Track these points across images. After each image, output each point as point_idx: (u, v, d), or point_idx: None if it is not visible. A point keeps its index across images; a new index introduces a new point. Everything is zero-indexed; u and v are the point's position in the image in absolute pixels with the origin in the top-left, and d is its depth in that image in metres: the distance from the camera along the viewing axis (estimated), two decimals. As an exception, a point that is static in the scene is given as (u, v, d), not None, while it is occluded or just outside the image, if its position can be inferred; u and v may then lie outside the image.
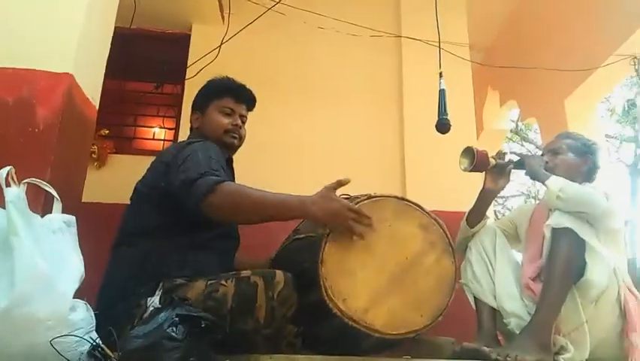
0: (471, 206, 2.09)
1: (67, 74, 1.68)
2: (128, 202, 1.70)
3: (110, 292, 1.54)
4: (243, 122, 1.90)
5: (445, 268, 1.57)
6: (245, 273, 1.47)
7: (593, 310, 1.71)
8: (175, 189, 1.54)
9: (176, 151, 1.66)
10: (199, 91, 1.92)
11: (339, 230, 1.48)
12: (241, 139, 1.89)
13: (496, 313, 1.92)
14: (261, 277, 1.45)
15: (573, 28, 4.00)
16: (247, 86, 1.91)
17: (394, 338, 1.48)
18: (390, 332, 1.46)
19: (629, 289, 1.76)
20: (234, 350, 1.41)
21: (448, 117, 2.43)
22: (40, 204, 1.44)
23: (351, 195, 1.63)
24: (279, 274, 1.47)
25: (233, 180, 1.84)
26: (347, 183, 1.50)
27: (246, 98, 1.91)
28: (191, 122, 1.90)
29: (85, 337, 1.15)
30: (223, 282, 1.45)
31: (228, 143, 1.84)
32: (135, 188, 1.71)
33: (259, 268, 1.95)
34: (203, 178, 1.49)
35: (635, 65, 3.64)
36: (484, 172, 2.02)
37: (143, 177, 1.72)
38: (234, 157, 1.90)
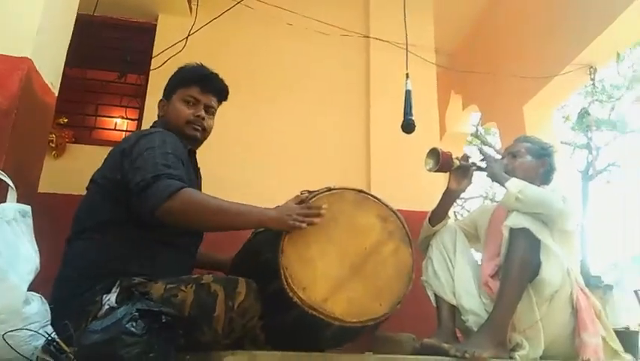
0: (434, 206, 2.13)
1: (26, 58, 1.61)
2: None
3: (64, 287, 1.48)
4: (210, 114, 1.81)
5: (403, 258, 1.60)
6: (206, 279, 1.45)
7: (547, 308, 1.77)
8: (130, 189, 1.48)
9: (135, 140, 1.58)
10: (170, 77, 1.84)
11: (291, 226, 1.47)
12: (205, 131, 1.79)
13: (455, 311, 1.97)
14: (222, 286, 1.43)
15: (533, 38, 4.13)
16: (219, 76, 1.82)
17: (354, 326, 1.49)
18: (349, 320, 1.47)
19: (581, 289, 1.84)
20: (196, 347, 1.39)
21: (413, 118, 2.47)
22: (-7, 192, 1.38)
23: (311, 191, 1.64)
24: (242, 283, 1.45)
25: (196, 174, 1.80)
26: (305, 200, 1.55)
27: (215, 89, 1.80)
28: (158, 108, 1.82)
29: (39, 331, 1.10)
30: (183, 287, 1.42)
31: (190, 135, 1.74)
32: (91, 178, 1.63)
33: (222, 265, 1.94)
34: (161, 182, 1.44)
35: (591, 74, 3.79)
36: (448, 173, 2.07)
37: (101, 166, 1.64)
38: (201, 151, 1.86)
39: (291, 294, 1.44)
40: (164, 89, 1.82)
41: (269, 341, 1.56)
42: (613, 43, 3.52)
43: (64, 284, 1.49)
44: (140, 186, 1.45)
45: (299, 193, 1.63)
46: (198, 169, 1.84)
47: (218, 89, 1.82)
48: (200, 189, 1.78)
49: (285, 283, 1.45)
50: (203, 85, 1.77)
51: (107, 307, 1.33)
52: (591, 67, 3.76)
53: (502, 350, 1.71)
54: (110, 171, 1.59)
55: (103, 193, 1.57)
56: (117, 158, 1.58)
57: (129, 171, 1.51)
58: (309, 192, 1.63)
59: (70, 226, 1.59)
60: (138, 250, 1.52)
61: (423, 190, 2.75)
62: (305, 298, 1.45)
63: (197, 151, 1.83)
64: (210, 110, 1.81)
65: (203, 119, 1.76)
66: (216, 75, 1.82)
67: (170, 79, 1.83)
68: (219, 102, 1.85)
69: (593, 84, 3.91)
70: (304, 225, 1.46)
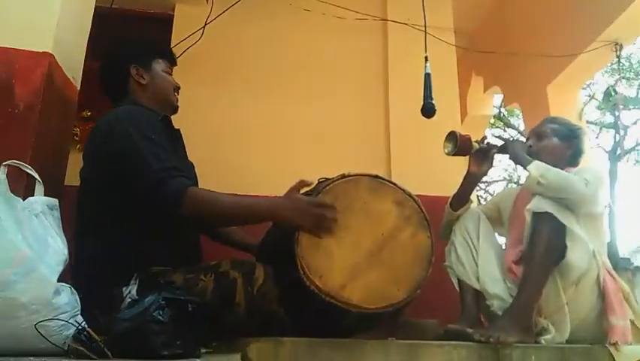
0: (455, 190, 2.11)
1: (47, 53, 1.63)
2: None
3: (83, 281, 1.49)
4: None
5: (421, 242, 1.59)
6: (224, 266, 1.46)
7: (574, 292, 1.75)
8: (132, 184, 1.48)
9: (107, 130, 1.54)
10: (133, 43, 1.86)
11: (308, 228, 1.48)
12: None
13: (479, 296, 1.96)
14: (240, 273, 1.44)
15: (556, 15, 4.02)
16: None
17: (372, 312, 1.49)
18: (368, 307, 1.48)
19: (608, 272, 1.81)
20: (221, 334, 1.41)
21: (434, 101, 2.44)
22: (21, 187, 1.41)
23: (328, 177, 1.64)
24: (259, 268, 1.47)
25: (180, 141, 1.78)
26: (310, 185, 1.55)
27: (175, 62, 1.89)
28: (130, 75, 1.74)
29: (70, 320, 1.13)
30: (202, 276, 1.44)
31: (174, 104, 1.81)
32: (81, 177, 1.61)
33: (251, 248, 1.97)
34: (164, 186, 1.43)
35: (616, 51, 3.68)
36: (468, 156, 2.04)
37: (84, 164, 1.62)
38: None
39: (308, 283, 1.46)
40: (133, 54, 1.78)
41: (295, 328, 1.58)
42: (639, 18, 3.40)
43: (81, 278, 1.49)
44: (142, 195, 1.45)
45: (317, 181, 1.63)
46: (180, 136, 1.80)
47: (176, 62, 1.90)
48: (186, 156, 1.80)
49: (302, 273, 1.46)
50: (171, 58, 1.86)
51: (128, 300, 1.35)
52: (617, 43, 3.65)
53: (528, 334, 1.70)
54: (95, 166, 1.58)
55: (98, 189, 1.56)
56: (95, 151, 1.57)
57: (124, 171, 1.49)
58: (326, 179, 1.63)
59: (75, 222, 1.58)
60: (147, 240, 1.51)
61: (445, 175, 2.72)
62: (322, 287, 1.46)
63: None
64: None
65: (179, 88, 1.84)
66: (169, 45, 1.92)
67: (139, 45, 1.84)
68: None
69: (619, 61, 3.80)
70: (325, 224, 1.48)
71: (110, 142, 1.52)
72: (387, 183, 1.63)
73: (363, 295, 1.48)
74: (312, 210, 1.48)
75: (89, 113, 3.18)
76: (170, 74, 1.83)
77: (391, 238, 1.56)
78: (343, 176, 1.59)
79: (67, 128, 1.91)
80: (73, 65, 1.83)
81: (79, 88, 1.88)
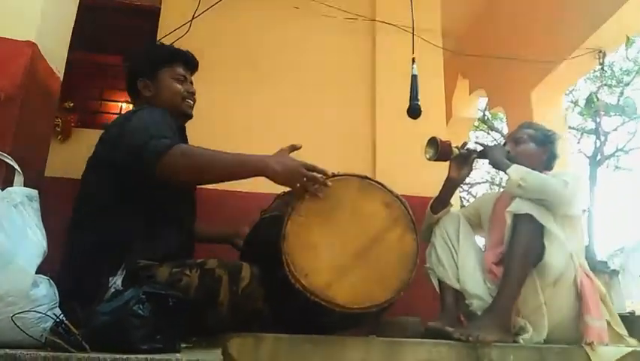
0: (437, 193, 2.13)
1: (30, 42, 1.61)
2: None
3: (69, 271, 1.50)
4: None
5: (408, 244, 1.60)
6: (210, 264, 1.46)
7: (551, 292, 1.78)
8: (126, 158, 1.50)
9: (123, 119, 1.61)
10: (139, 57, 1.86)
11: (295, 187, 1.50)
12: (193, 105, 1.87)
13: (459, 296, 1.98)
14: (226, 271, 1.44)
15: (542, 21, 4.08)
16: (189, 51, 1.89)
17: (357, 313, 1.50)
18: (352, 307, 1.49)
19: (585, 273, 1.84)
20: (202, 330, 1.41)
21: (420, 103, 2.46)
22: (0, 177, 1.39)
23: None
24: (245, 268, 1.47)
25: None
26: (299, 148, 1.56)
27: (194, 65, 1.88)
28: (139, 90, 1.80)
29: (48, 313, 1.12)
30: (187, 272, 1.44)
31: (185, 111, 1.81)
32: (87, 165, 1.65)
33: (227, 236, 1.95)
34: (152, 142, 1.46)
35: (600, 58, 3.75)
36: (448, 161, 2.07)
37: (94, 152, 1.66)
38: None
39: (293, 281, 1.46)
40: (139, 69, 1.81)
41: (276, 324, 1.58)
42: (623, 27, 3.47)
43: (70, 269, 1.51)
44: (135, 149, 1.47)
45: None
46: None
47: (196, 65, 1.89)
48: None
49: (288, 270, 1.46)
50: (186, 62, 1.85)
51: (112, 290, 1.34)
52: (600, 51, 3.71)
53: (506, 333, 1.72)
54: (103, 152, 1.61)
55: (100, 177, 1.58)
56: (109, 140, 1.60)
57: (123, 146, 1.52)
58: None
59: (72, 213, 1.60)
60: (140, 232, 1.54)
61: (429, 176, 2.73)
62: (307, 285, 1.46)
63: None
64: (192, 86, 1.88)
65: (194, 93, 1.84)
66: (190, 52, 1.89)
67: (142, 58, 1.84)
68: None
69: (602, 68, 3.87)
70: (313, 187, 1.48)
71: (124, 128, 1.56)
72: (375, 184, 1.64)
73: (348, 296, 1.48)
74: (301, 171, 1.48)
75: (72, 104, 3.13)
76: (184, 79, 1.82)
77: (378, 239, 1.57)
78: (333, 175, 1.59)
79: (49, 118, 1.89)
80: (56, 54, 1.80)
81: (62, 78, 1.86)
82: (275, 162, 1.48)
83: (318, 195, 1.51)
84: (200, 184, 1.75)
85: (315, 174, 1.49)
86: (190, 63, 1.86)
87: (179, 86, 1.79)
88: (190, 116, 1.84)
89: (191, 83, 1.86)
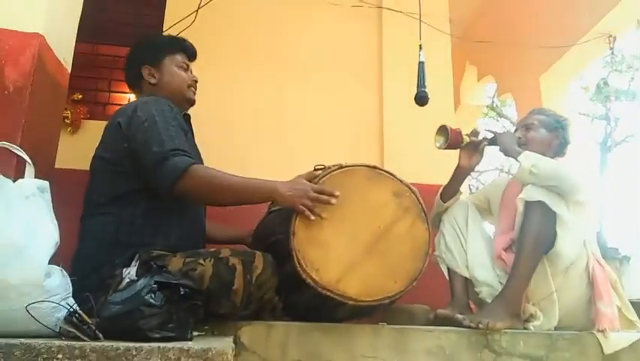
0: (447, 180, 2.12)
1: (38, 34, 1.61)
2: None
3: (83, 262, 1.51)
4: None
5: (419, 234, 1.59)
6: (224, 253, 1.47)
7: (563, 279, 1.77)
8: (142, 165, 1.53)
9: (131, 111, 1.60)
10: (143, 45, 1.88)
11: (300, 211, 1.48)
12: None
13: (468, 284, 1.98)
14: (240, 259, 1.45)
15: (551, 6, 4.02)
16: (187, 40, 1.92)
17: (368, 305, 1.50)
18: (364, 299, 1.49)
19: (597, 260, 1.83)
20: (213, 318, 1.42)
21: (427, 90, 2.43)
22: (11, 168, 1.39)
23: (325, 165, 1.63)
24: (259, 257, 1.47)
25: (192, 137, 1.82)
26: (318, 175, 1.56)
27: (194, 54, 1.91)
28: (142, 78, 1.82)
29: (62, 303, 1.13)
30: (201, 261, 1.44)
31: (191, 98, 1.84)
32: (95, 155, 1.66)
33: (240, 239, 1.98)
34: (169, 161, 1.47)
35: (610, 43, 3.69)
36: (458, 149, 2.05)
37: (101, 142, 1.67)
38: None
39: (304, 276, 1.45)
40: (143, 57, 1.84)
41: (287, 313, 1.58)
42: (633, 10, 3.41)
43: (83, 259, 1.52)
44: (150, 166, 1.49)
45: (313, 168, 1.63)
46: (191, 126, 1.88)
47: (195, 54, 1.91)
48: (199, 154, 1.82)
49: (298, 265, 1.46)
50: (188, 52, 1.87)
51: (127, 280, 1.35)
52: (610, 35, 3.66)
53: (517, 320, 1.72)
54: (112, 144, 1.62)
55: (110, 168, 1.60)
56: (116, 131, 1.61)
57: (135, 146, 1.54)
58: (322, 166, 1.62)
59: (83, 204, 1.62)
60: (153, 222, 1.55)
61: (437, 163, 2.73)
62: (318, 280, 1.46)
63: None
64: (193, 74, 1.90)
65: (197, 82, 1.87)
66: (189, 41, 1.92)
67: (147, 46, 1.87)
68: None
69: (612, 53, 3.81)
70: (312, 217, 1.46)
71: (133, 121, 1.57)
72: (385, 173, 1.62)
73: (359, 289, 1.48)
74: (308, 191, 1.48)
75: (80, 96, 3.14)
76: (187, 68, 1.85)
77: (389, 230, 1.56)
78: (340, 166, 1.57)
79: (58, 110, 1.89)
80: (64, 46, 1.80)
81: (69, 70, 1.86)
82: (285, 188, 1.49)
83: (320, 216, 1.48)
84: (211, 205, 1.78)
85: (320, 196, 1.48)
86: (190, 52, 1.88)
87: (183, 74, 1.82)
88: (194, 103, 1.86)
89: (192, 71, 1.89)
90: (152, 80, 1.80)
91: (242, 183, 1.52)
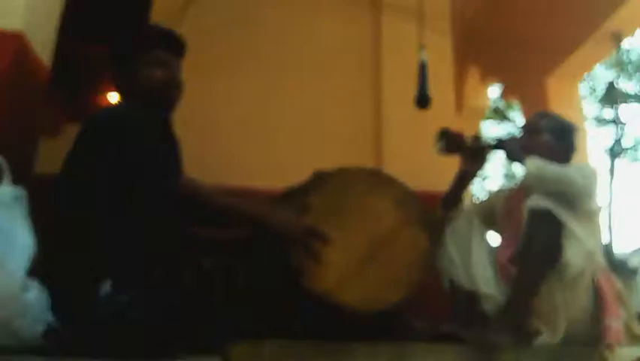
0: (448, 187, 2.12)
1: (17, 32, 1.61)
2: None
3: (60, 274, 1.49)
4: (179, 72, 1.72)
5: (420, 244, 1.60)
6: (206, 263, 1.46)
7: (569, 292, 1.77)
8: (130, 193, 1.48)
9: (104, 125, 1.52)
10: (117, 43, 1.72)
11: (294, 246, 1.50)
12: (180, 91, 1.70)
13: (471, 297, 1.97)
14: (222, 270, 1.45)
15: (556, 5, 4.04)
16: (173, 31, 1.72)
17: (366, 314, 1.50)
18: (361, 308, 1.49)
19: (603, 273, 1.83)
20: (199, 333, 1.41)
21: (428, 92, 2.44)
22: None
23: (324, 170, 1.63)
24: (242, 267, 1.48)
25: (174, 143, 1.67)
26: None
27: (178, 48, 1.72)
28: (117, 79, 1.68)
29: (39, 317, 1.12)
30: (181, 273, 1.43)
31: (168, 98, 1.67)
32: (68, 162, 1.56)
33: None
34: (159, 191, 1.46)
35: (617, 43, 3.73)
36: (460, 154, 2.06)
37: (75, 149, 1.56)
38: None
39: (302, 285, 1.45)
40: (116, 57, 1.71)
41: (284, 327, 1.57)
42: (641, 9, 3.45)
43: (60, 271, 1.49)
44: (139, 196, 1.46)
45: (312, 173, 1.62)
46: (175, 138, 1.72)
47: (180, 48, 1.73)
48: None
49: (295, 274, 1.46)
50: (167, 45, 1.69)
51: (104, 294, 1.34)
52: (617, 35, 3.69)
53: (521, 335, 1.72)
54: (88, 151, 1.53)
55: (88, 176, 1.51)
56: (86, 139, 1.54)
57: (118, 170, 1.47)
58: (320, 172, 1.62)
59: (55, 212, 1.56)
60: (131, 234, 1.51)
61: (439, 169, 2.73)
62: (315, 288, 1.46)
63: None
64: (178, 70, 1.72)
65: (177, 80, 1.69)
66: (172, 31, 1.72)
67: (121, 44, 1.72)
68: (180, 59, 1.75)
69: (620, 54, 3.84)
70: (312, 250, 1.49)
71: (108, 136, 1.49)
72: (386, 179, 1.63)
73: (357, 298, 1.48)
74: (302, 236, 1.50)
75: (61, 98, 3.14)
76: (166, 65, 1.67)
77: (389, 239, 1.57)
78: (340, 171, 1.58)
79: (38, 112, 1.88)
80: (44, 45, 1.80)
81: (50, 70, 1.86)
82: (277, 219, 1.51)
83: (316, 260, 1.50)
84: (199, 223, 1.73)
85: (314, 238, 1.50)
86: (172, 46, 1.70)
87: (158, 73, 1.65)
88: (175, 103, 1.70)
89: (177, 68, 1.70)
90: (126, 83, 1.68)
91: (235, 205, 1.55)
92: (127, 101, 1.66)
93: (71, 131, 3.05)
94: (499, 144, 2.03)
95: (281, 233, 1.50)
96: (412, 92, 2.47)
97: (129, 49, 1.70)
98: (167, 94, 1.67)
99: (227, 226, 1.57)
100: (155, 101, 1.64)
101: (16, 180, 1.37)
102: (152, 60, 1.65)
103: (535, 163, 1.84)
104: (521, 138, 2.12)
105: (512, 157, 1.98)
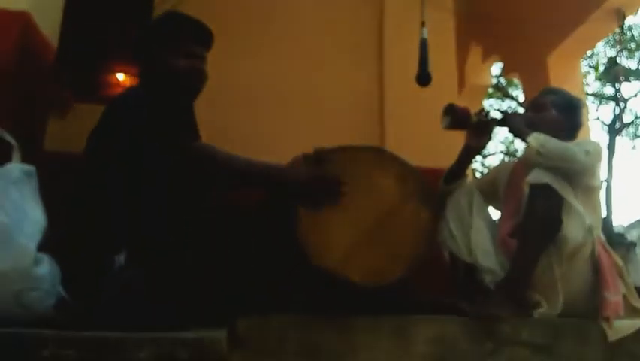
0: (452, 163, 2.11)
1: (23, 11, 1.59)
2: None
3: (73, 249, 1.50)
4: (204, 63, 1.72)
5: (423, 220, 1.60)
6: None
7: (568, 266, 1.77)
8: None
9: (134, 104, 1.54)
10: (141, 35, 1.71)
11: (309, 201, 1.49)
12: (204, 81, 1.71)
13: (471, 270, 1.98)
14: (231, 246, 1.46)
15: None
16: (203, 23, 1.71)
17: (371, 288, 1.51)
18: (366, 283, 1.50)
19: (602, 247, 1.83)
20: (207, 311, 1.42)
21: (429, 69, 2.41)
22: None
23: (326, 147, 1.62)
24: (248, 241, 1.48)
25: (196, 130, 1.73)
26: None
27: (206, 39, 1.73)
28: (141, 70, 1.69)
29: (51, 290, 1.13)
30: (192, 247, 1.43)
31: (193, 89, 1.69)
32: (92, 140, 1.57)
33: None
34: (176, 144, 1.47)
35: (619, 20, 3.66)
36: (464, 130, 2.04)
37: (99, 127, 1.57)
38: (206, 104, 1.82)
39: (308, 261, 1.46)
40: (140, 46, 1.69)
41: (290, 303, 1.58)
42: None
43: (72, 246, 1.51)
44: (154, 161, 1.47)
45: (312, 151, 1.61)
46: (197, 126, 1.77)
47: (208, 40, 1.74)
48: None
49: (302, 251, 1.46)
50: (195, 36, 1.69)
51: (117, 267, 1.35)
52: (620, 12, 3.62)
53: (520, 308, 1.73)
54: (110, 136, 1.54)
55: (101, 157, 1.53)
56: (109, 122, 1.55)
57: (136, 145, 1.48)
58: (322, 150, 1.61)
59: (73, 189, 1.58)
60: (145, 208, 1.52)
61: (440, 146, 2.72)
62: (322, 265, 1.46)
63: (203, 102, 1.79)
64: (204, 61, 1.73)
65: (205, 73, 1.71)
66: (201, 22, 1.71)
67: (143, 37, 1.70)
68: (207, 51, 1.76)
69: (622, 31, 3.78)
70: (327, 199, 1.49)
71: (129, 119, 1.50)
72: (389, 156, 1.63)
73: (362, 273, 1.49)
74: (315, 183, 1.49)
75: (68, 76, 3.11)
76: (194, 55, 1.66)
77: (392, 215, 1.57)
78: (343, 148, 1.57)
79: (45, 91, 1.87)
80: (51, 24, 1.78)
81: (56, 48, 1.84)
82: (292, 175, 1.51)
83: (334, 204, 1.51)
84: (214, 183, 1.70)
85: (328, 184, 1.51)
86: (203, 37, 1.70)
87: (188, 63, 1.65)
88: (198, 92, 1.71)
89: (205, 60, 1.70)
90: (149, 74, 1.68)
91: (253, 165, 1.51)
92: (149, 87, 1.65)
93: (80, 110, 3.07)
94: (504, 120, 2.01)
95: (297, 183, 1.49)
96: (414, 69, 2.43)
97: (159, 37, 1.68)
98: (194, 84, 1.68)
99: (244, 189, 1.56)
100: (181, 90, 1.65)
101: (26, 158, 1.37)
102: (182, 51, 1.65)
103: (538, 138, 1.82)
104: (527, 113, 2.09)
105: (516, 132, 1.96)
